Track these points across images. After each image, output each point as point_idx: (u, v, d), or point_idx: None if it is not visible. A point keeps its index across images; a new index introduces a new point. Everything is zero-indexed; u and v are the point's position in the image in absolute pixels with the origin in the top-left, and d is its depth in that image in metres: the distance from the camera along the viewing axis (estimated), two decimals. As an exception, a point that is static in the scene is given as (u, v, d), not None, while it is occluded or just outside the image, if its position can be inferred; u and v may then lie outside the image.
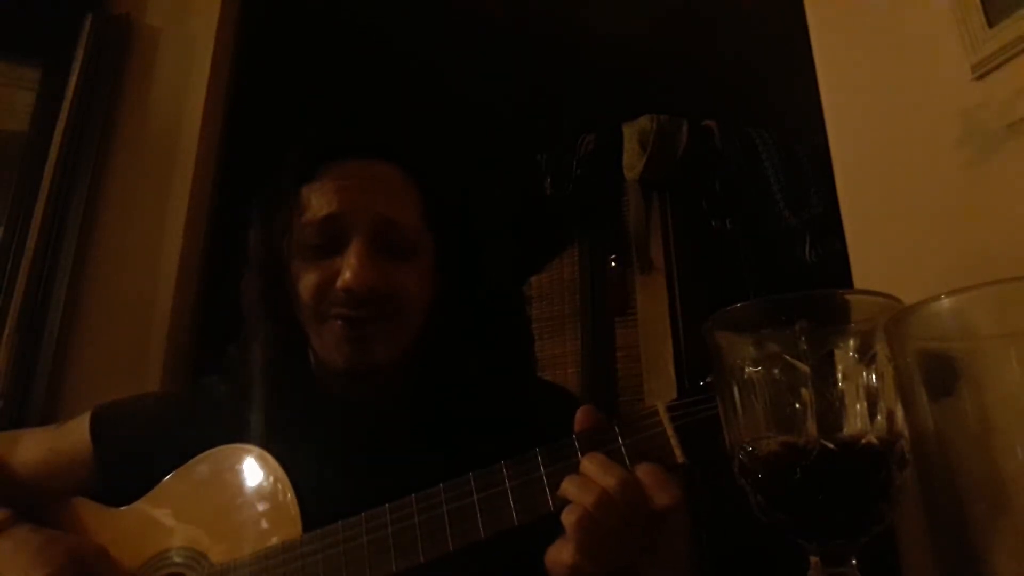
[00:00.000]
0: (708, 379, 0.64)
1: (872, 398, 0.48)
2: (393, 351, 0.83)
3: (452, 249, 0.88)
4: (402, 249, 0.83)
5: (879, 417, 0.48)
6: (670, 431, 0.64)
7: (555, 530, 0.64)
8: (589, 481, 0.63)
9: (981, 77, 1.02)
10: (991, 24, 1.00)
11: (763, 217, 1.94)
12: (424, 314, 0.85)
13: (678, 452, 0.64)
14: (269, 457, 0.78)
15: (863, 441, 0.47)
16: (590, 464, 0.64)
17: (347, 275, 0.78)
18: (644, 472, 0.63)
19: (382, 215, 0.82)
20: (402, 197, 0.85)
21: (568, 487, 0.63)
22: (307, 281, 0.81)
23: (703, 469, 0.64)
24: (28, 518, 0.82)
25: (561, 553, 0.64)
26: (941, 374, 0.49)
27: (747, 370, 0.50)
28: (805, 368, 0.48)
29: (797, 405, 0.48)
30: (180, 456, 0.82)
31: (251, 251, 0.88)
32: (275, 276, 0.84)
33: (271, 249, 0.85)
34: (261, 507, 0.76)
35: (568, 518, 0.62)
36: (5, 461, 0.89)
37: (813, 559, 0.49)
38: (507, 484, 0.66)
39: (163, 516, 0.81)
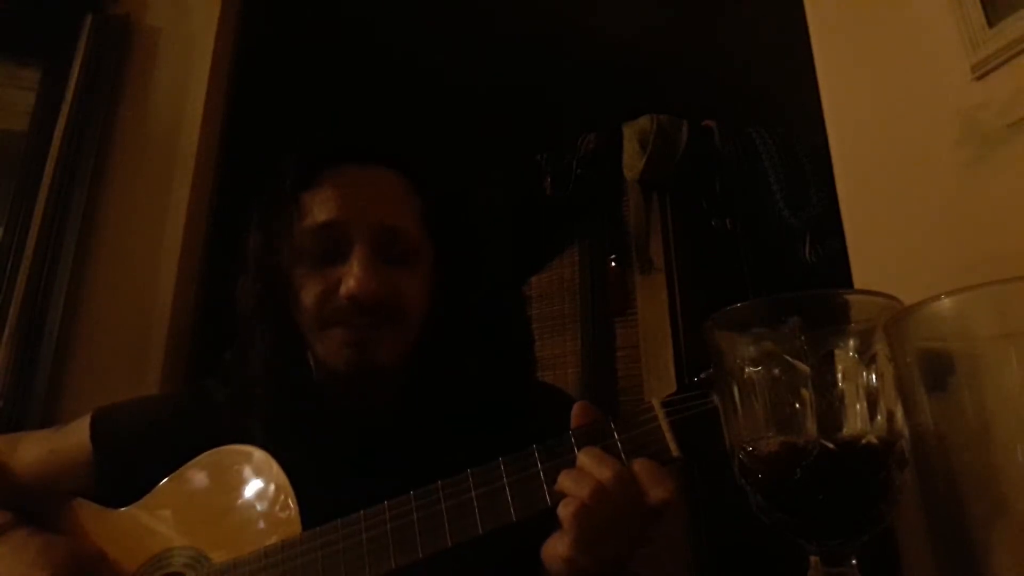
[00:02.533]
0: (703, 375, 0.65)
1: (872, 398, 0.48)
2: (394, 355, 0.82)
3: (452, 253, 0.88)
4: (403, 255, 0.83)
5: (879, 417, 0.48)
6: (665, 426, 0.65)
7: (553, 526, 0.64)
8: (585, 474, 0.63)
9: (981, 77, 1.02)
10: (991, 24, 1.00)
11: (763, 217, 1.94)
12: (424, 317, 0.85)
13: (673, 446, 0.64)
14: (268, 458, 0.78)
15: (863, 441, 0.47)
16: (586, 458, 0.64)
17: (351, 284, 0.78)
18: (639, 466, 0.63)
19: (383, 223, 0.82)
20: (402, 203, 0.85)
21: (564, 481, 0.64)
22: (310, 289, 0.81)
23: (699, 464, 0.64)
24: (28, 520, 0.83)
25: (557, 546, 0.64)
26: (941, 374, 0.49)
27: (747, 370, 0.50)
28: (805, 368, 0.48)
29: (797, 405, 0.48)
30: (180, 458, 0.82)
31: (249, 256, 0.88)
32: (273, 281, 0.84)
33: (269, 255, 0.84)
34: (261, 507, 0.76)
35: (564, 511, 0.62)
36: (5, 463, 0.89)
37: (813, 559, 0.49)
38: (505, 480, 0.66)
39: (163, 517, 0.81)
